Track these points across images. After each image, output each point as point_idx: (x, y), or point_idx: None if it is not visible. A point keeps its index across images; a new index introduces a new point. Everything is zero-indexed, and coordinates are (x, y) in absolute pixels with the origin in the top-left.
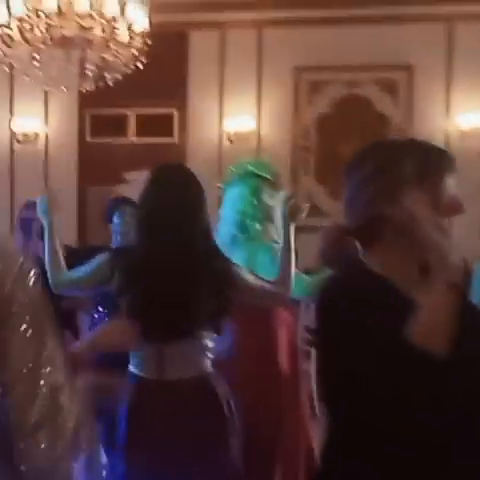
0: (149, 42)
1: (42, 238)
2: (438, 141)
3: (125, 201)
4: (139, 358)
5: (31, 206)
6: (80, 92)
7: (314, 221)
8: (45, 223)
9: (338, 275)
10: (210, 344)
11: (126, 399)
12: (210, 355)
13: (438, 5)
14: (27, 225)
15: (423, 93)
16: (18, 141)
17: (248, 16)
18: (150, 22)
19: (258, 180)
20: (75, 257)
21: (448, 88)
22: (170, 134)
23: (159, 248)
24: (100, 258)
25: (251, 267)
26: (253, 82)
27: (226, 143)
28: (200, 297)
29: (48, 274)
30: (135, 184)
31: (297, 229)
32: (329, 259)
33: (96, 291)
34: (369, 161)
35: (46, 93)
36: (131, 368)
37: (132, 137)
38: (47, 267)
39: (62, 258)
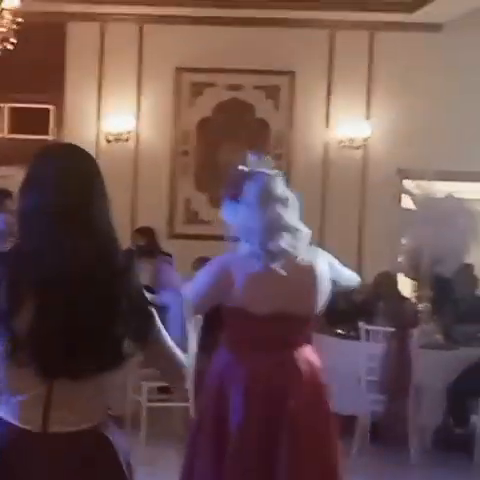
0: (19, 20)
1: None
2: (317, 149)
3: (3, 193)
4: (15, 402)
5: None
6: None
7: (193, 228)
8: None
9: None
10: (114, 385)
11: None
12: (110, 400)
13: (321, 11)
14: None
15: (304, 100)
16: None
17: (130, 10)
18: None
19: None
20: None
21: (328, 96)
22: (46, 131)
23: (57, 252)
24: None
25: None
26: (133, 81)
27: (103, 143)
28: (115, 321)
29: None
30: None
31: (176, 235)
32: None
33: None
34: None
35: None
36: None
37: (4, 132)
38: None
39: None
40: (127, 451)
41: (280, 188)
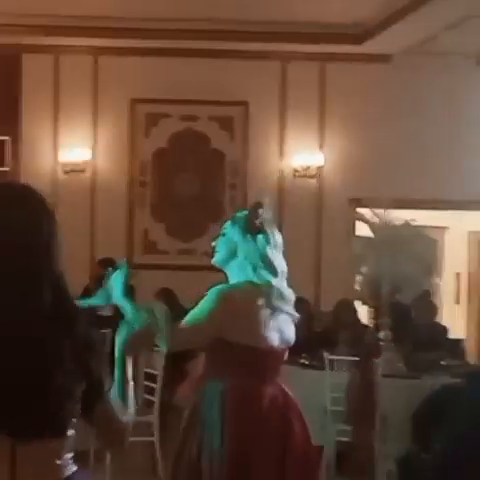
0: None
1: None
2: (272, 178)
3: None
4: None
5: None
6: None
7: (150, 258)
8: None
9: None
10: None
11: None
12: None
13: (273, 42)
14: None
15: (258, 130)
16: None
17: (84, 42)
18: None
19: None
20: None
21: (282, 126)
22: (1, 163)
23: None
24: None
25: None
26: (89, 112)
27: (61, 174)
28: (60, 374)
29: None
30: None
31: (135, 266)
32: None
33: None
34: None
35: None
36: None
37: None
38: None
39: None
40: None
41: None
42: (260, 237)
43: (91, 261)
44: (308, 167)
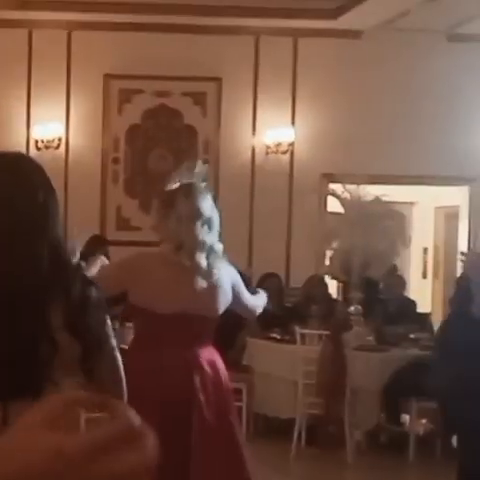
0: None
1: None
2: (244, 155)
3: None
4: None
5: None
6: None
7: (123, 235)
8: None
9: None
10: None
11: None
12: None
13: (247, 18)
14: None
15: (231, 106)
16: None
17: (57, 16)
18: None
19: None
20: None
21: (255, 102)
22: None
23: None
24: None
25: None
26: (62, 87)
27: (33, 150)
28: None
29: None
30: None
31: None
32: None
33: None
34: None
35: None
36: None
37: None
38: None
39: None
40: None
41: (208, 206)
42: None
43: (64, 236)
44: (280, 143)
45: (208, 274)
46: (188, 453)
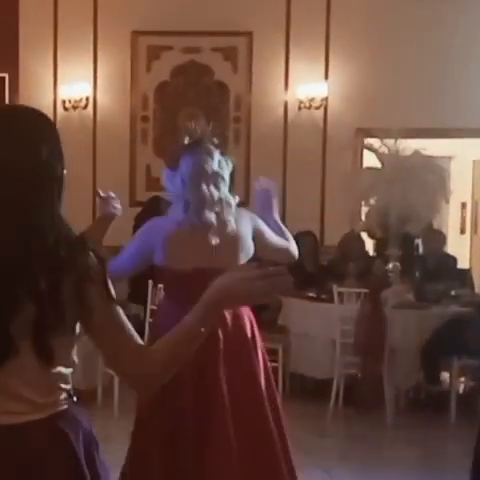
0: None
1: None
2: (277, 111)
3: None
4: None
5: None
6: None
7: (153, 194)
8: None
9: None
10: (64, 370)
11: None
12: (64, 385)
13: None
14: None
15: (262, 61)
16: None
17: None
18: None
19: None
20: None
21: (287, 57)
22: (1, 100)
23: None
24: None
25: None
26: (89, 46)
27: (61, 110)
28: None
29: None
30: None
31: (138, 203)
32: None
33: None
34: None
35: None
36: None
37: None
38: None
39: None
40: (88, 430)
41: (215, 163)
42: None
43: (93, 198)
44: (313, 98)
45: (221, 229)
46: (213, 401)
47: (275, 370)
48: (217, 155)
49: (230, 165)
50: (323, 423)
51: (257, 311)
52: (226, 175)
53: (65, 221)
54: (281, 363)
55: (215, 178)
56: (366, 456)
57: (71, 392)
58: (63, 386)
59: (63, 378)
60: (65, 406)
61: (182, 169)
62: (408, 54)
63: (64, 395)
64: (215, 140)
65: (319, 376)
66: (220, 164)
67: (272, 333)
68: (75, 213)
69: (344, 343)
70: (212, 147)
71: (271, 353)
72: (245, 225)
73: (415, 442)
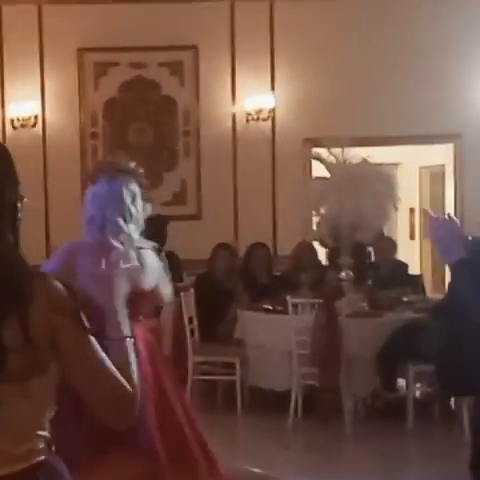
0: None
1: None
2: (225, 123)
3: None
4: None
5: None
6: None
7: None
8: None
9: None
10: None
11: None
12: (41, 432)
13: None
14: None
15: (209, 74)
16: None
17: None
18: None
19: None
20: None
21: (233, 69)
22: None
23: None
24: None
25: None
26: (36, 64)
27: (10, 129)
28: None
29: None
30: None
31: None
32: None
33: None
34: None
35: None
36: None
37: None
38: None
39: None
40: None
41: (128, 197)
42: None
43: (46, 216)
44: (260, 110)
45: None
46: None
47: (233, 384)
48: (136, 191)
49: (147, 209)
50: (284, 435)
51: (212, 324)
52: (139, 216)
53: (21, 252)
54: (239, 377)
55: (124, 209)
56: (327, 467)
57: (49, 440)
58: (40, 433)
59: (39, 424)
60: (43, 456)
61: (97, 190)
62: (352, 63)
63: (42, 444)
64: (143, 180)
65: (277, 388)
66: (134, 200)
67: (229, 346)
68: (26, 234)
69: (301, 354)
70: (134, 182)
71: (229, 366)
72: (150, 257)
73: (374, 450)
